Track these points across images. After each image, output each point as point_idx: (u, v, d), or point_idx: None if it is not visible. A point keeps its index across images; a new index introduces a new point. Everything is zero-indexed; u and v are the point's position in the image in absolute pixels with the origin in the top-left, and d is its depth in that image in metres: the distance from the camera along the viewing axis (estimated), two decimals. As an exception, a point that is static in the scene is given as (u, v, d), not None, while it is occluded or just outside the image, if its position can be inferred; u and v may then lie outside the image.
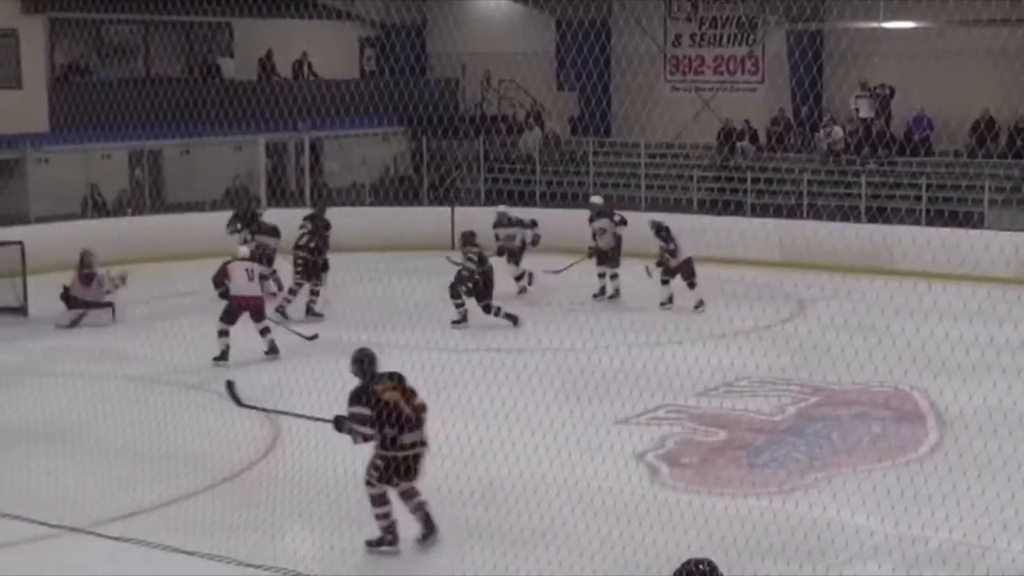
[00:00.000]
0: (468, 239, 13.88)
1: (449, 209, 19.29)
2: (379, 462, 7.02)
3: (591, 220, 15.51)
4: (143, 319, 13.80)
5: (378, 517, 7.10)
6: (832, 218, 17.71)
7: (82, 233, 16.27)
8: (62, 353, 12.58)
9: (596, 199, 16.18)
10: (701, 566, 4.59)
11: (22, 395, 10.68)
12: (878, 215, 17.20)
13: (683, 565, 4.66)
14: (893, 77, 19.15)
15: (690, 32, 22.31)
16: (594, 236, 15.41)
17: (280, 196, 19.38)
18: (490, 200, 19.52)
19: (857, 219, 17.79)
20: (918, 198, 17.65)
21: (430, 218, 19.23)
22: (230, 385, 7.94)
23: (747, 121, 20.52)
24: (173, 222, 18.10)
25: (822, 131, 19.60)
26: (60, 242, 15.08)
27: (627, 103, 21.35)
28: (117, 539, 7.35)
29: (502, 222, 15.69)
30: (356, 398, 7.04)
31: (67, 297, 13.75)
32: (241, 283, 11.88)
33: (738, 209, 18.47)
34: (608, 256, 15.29)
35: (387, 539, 7.11)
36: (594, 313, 14.12)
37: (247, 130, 18.99)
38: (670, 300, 14.59)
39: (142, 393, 10.87)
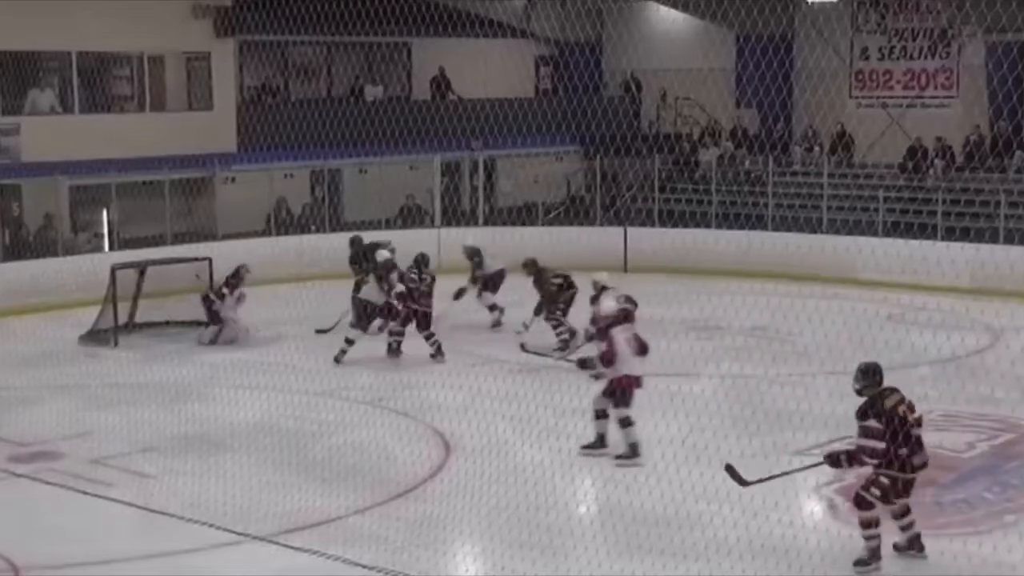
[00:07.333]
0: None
1: (622, 230, 19.08)
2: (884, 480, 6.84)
3: None
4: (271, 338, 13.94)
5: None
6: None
7: (265, 249, 16.92)
8: (232, 367, 12.56)
9: None
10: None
11: (199, 406, 11.13)
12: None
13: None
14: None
15: (878, 45, 21.42)
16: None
17: (452, 215, 19.51)
18: (663, 221, 19.22)
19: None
20: None
21: (602, 238, 18.79)
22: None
23: (939, 139, 19.40)
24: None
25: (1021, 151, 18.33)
26: (245, 258, 14.84)
27: (809, 120, 20.61)
28: (297, 549, 7.44)
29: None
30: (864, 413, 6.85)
31: (210, 309, 13.76)
32: None
33: (927, 232, 17.33)
34: None
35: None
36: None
37: (422, 149, 19.27)
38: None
39: (314, 407, 11.08)
